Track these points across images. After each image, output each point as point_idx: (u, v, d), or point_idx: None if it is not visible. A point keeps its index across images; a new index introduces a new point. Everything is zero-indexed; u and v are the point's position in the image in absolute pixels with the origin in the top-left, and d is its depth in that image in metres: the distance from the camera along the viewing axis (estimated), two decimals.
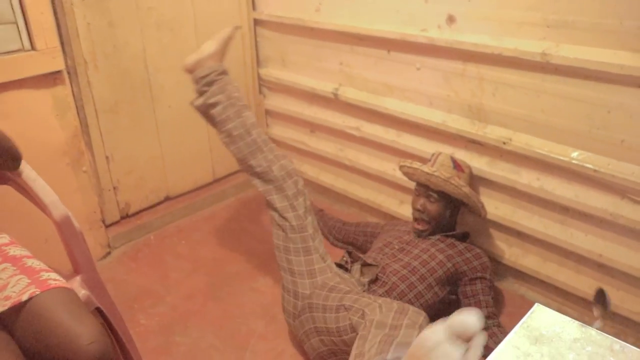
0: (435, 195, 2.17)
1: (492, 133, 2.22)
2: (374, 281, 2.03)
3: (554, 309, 2.24)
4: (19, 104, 2.22)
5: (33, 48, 2.20)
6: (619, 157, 1.91)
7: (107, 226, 2.75)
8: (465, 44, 2.15)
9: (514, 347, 0.87)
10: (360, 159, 2.84)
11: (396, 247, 2.21)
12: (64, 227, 1.59)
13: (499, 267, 2.45)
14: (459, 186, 2.12)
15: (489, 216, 2.33)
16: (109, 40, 2.52)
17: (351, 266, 2.16)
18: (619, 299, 2.09)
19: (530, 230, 2.24)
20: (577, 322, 0.94)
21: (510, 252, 2.37)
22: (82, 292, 1.54)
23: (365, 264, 2.15)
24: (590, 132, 1.95)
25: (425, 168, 2.15)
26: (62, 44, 2.33)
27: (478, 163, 2.31)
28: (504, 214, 2.31)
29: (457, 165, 2.22)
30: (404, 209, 2.73)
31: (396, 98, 2.55)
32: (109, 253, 2.73)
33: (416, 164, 2.18)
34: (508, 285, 2.44)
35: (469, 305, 2.11)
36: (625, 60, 1.78)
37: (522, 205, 2.26)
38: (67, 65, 2.38)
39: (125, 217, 2.86)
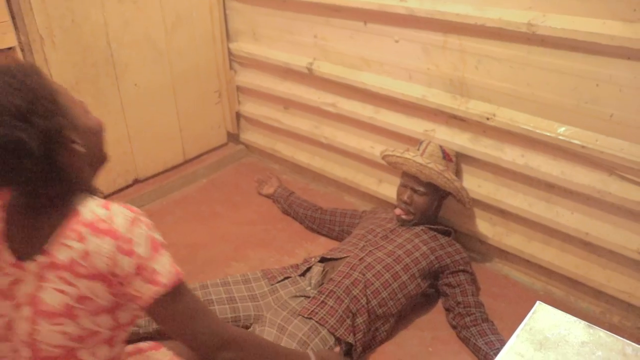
0: (423, 188, 2.11)
1: (475, 108, 2.12)
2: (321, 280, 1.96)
3: (538, 289, 2.22)
4: None
5: None
6: (607, 133, 1.84)
7: None
8: (447, 14, 2.03)
9: (517, 354, 0.78)
10: (337, 137, 2.73)
11: (380, 234, 2.13)
12: None
13: (482, 247, 2.38)
14: (451, 180, 2.06)
15: (471, 194, 2.25)
16: (66, 14, 2.34)
17: (310, 268, 2.03)
18: (605, 277, 2.04)
19: (514, 209, 2.17)
20: (583, 322, 0.86)
21: (494, 232, 2.30)
22: None
23: (325, 259, 2.06)
24: (578, 106, 1.87)
25: (418, 159, 2.06)
26: (13, 18, 2.16)
27: (460, 139, 2.22)
28: (487, 192, 2.23)
29: (446, 155, 2.15)
30: (384, 188, 2.63)
31: (374, 72, 2.44)
32: None
33: (407, 154, 2.09)
34: (492, 265, 2.37)
35: (455, 295, 2.05)
36: (615, 30, 1.69)
37: (506, 183, 2.18)
38: (20, 42, 2.21)
39: None
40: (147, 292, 1.08)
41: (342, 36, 2.48)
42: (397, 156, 2.14)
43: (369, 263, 1.96)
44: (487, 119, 2.08)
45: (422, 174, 2.06)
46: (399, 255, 2.01)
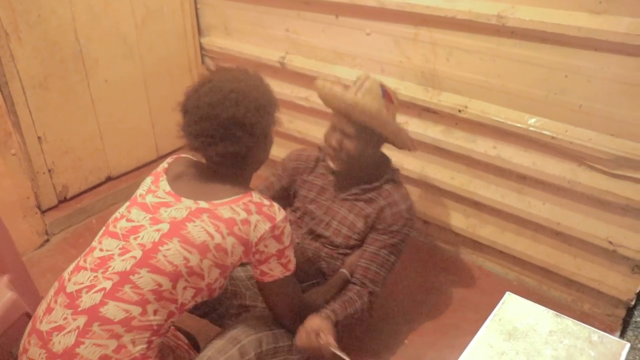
0: (353, 130, 1.74)
1: (447, 100, 2.13)
2: None
3: (512, 279, 2.25)
4: None
5: None
6: (576, 123, 1.86)
7: (43, 212, 2.56)
8: (417, 6, 2.03)
9: (487, 345, 0.79)
10: (311, 131, 2.72)
11: (317, 216, 1.91)
12: None
13: (456, 239, 2.40)
14: (386, 123, 1.73)
15: (445, 187, 2.26)
16: (32, 8, 2.29)
17: None
18: (575, 266, 2.06)
19: (487, 200, 2.19)
20: (552, 312, 0.86)
21: (468, 223, 2.32)
22: (9, 295, 1.40)
23: None
24: (547, 97, 1.88)
25: (349, 94, 1.71)
26: None
27: (432, 132, 2.23)
28: (461, 184, 2.24)
29: (386, 94, 1.77)
30: None
31: (346, 65, 2.43)
32: (47, 241, 2.55)
33: (337, 88, 1.75)
34: (465, 256, 2.39)
35: (363, 253, 1.81)
36: (582, 22, 1.71)
37: (479, 175, 2.20)
38: None
39: (63, 201, 2.68)
40: (278, 272, 1.40)
41: (313, 30, 2.47)
42: (328, 89, 1.77)
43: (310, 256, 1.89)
44: (459, 111, 2.09)
45: (353, 112, 1.70)
46: (338, 244, 1.85)
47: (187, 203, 1.32)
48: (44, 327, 1.20)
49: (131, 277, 1.21)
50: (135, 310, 1.20)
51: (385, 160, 1.96)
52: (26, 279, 1.53)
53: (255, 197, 1.35)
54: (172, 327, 1.48)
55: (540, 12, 1.78)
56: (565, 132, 1.86)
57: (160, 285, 1.22)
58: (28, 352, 1.21)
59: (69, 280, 1.24)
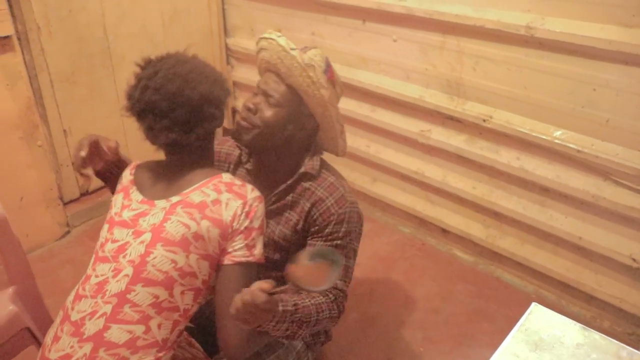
0: (278, 94, 1.43)
1: (472, 110, 2.12)
2: None
3: (530, 292, 2.23)
4: None
5: None
6: (603, 137, 1.84)
7: (65, 204, 2.59)
8: (446, 14, 2.03)
9: (513, 354, 0.78)
10: None
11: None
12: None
13: (474, 249, 2.38)
14: (317, 83, 1.40)
15: (466, 196, 2.25)
16: (64, 3, 2.33)
17: None
18: (596, 282, 2.04)
19: (508, 211, 2.17)
20: (578, 324, 0.85)
21: (487, 233, 2.30)
22: (10, 308, 1.40)
23: None
24: (574, 110, 1.87)
25: (283, 41, 1.41)
26: (10, 7, 2.14)
27: (456, 141, 2.22)
28: (482, 194, 2.23)
29: (329, 70, 1.46)
30: (378, 187, 2.63)
31: (371, 71, 2.43)
32: (68, 232, 2.58)
33: (275, 35, 1.43)
34: (484, 267, 2.37)
35: None
36: (613, 35, 1.69)
37: (501, 186, 2.18)
38: (17, 31, 2.19)
39: (85, 194, 2.71)
40: (240, 254, 1.27)
41: (340, 34, 2.47)
42: (266, 37, 1.46)
43: None
44: (484, 120, 2.08)
45: (283, 64, 1.40)
46: (275, 260, 1.55)
47: (161, 204, 1.28)
48: (53, 355, 1.20)
49: (128, 296, 1.20)
50: (139, 329, 1.20)
51: (308, 152, 1.53)
52: (33, 291, 1.51)
53: (226, 177, 1.31)
54: (186, 335, 1.46)
55: (570, 24, 1.77)
56: (591, 146, 1.85)
57: (157, 297, 1.21)
58: None
59: (72, 309, 1.24)
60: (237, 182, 1.31)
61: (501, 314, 2.13)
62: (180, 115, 1.24)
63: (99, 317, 1.19)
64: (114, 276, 1.22)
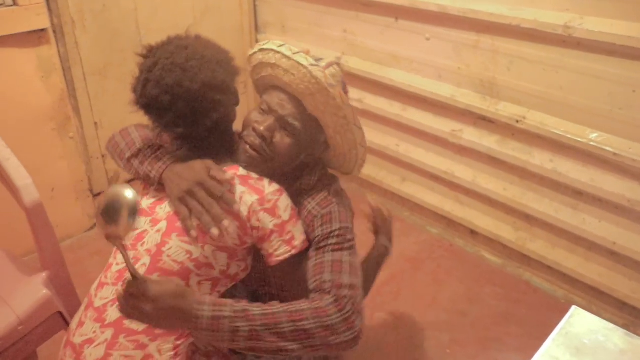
0: (299, 123, 1.24)
1: (505, 110, 2.09)
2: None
3: (560, 297, 2.19)
4: (0, 64, 2.07)
5: (15, 3, 2.04)
6: None
7: (95, 196, 2.62)
8: (481, 13, 2.00)
9: (553, 358, 0.76)
10: None
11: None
12: (35, 215, 1.41)
13: (503, 251, 2.35)
14: (354, 126, 1.25)
15: (496, 197, 2.22)
16: None
17: None
18: (630, 289, 1.99)
19: (539, 214, 2.14)
20: (621, 330, 0.83)
21: (517, 236, 2.27)
22: (43, 292, 1.41)
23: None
24: (611, 112, 1.82)
25: (300, 58, 1.19)
26: (47, 0, 2.16)
27: (487, 141, 2.19)
28: (513, 196, 2.20)
29: (346, 89, 1.32)
30: (407, 187, 2.61)
31: (402, 69, 2.41)
32: (96, 224, 2.60)
33: (284, 49, 1.22)
34: (512, 270, 2.34)
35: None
36: None
37: (532, 188, 2.15)
38: (52, 24, 2.22)
39: None
40: (283, 251, 1.24)
41: (372, 32, 2.46)
42: (265, 49, 1.26)
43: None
44: (517, 121, 2.05)
45: (305, 83, 1.18)
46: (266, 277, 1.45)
47: None
48: (77, 339, 1.22)
49: None
50: (191, 267, 1.20)
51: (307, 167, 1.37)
52: (65, 277, 1.53)
53: (242, 170, 1.25)
54: None
55: (610, 24, 1.73)
56: (629, 149, 1.80)
57: None
58: None
59: (96, 296, 1.25)
60: (254, 175, 1.25)
61: (530, 318, 2.09)
62: (182, 108, 1.17)
63: None
64: (133, 264, 1.22)
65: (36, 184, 1.41)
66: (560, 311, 2.09)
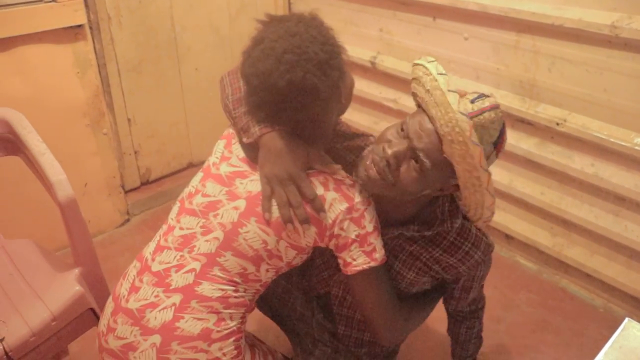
0: (429, 160, 1.14)
1: (545, 112, 2.03)
2: None
3: (598, 305, 2.12)
4: (37, 59, 2.09)
5: (53, 0, 2.06)
6: None
7: (126, 192, 2.63)
8: (522, 12, 1.95)
9: None
10: None
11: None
12: (68, 211, 1.41)
13: (539, 257, 2.29)
14: (481, 169, 1.09)
15: (533, 202, 2.16)
16: None
17: None
18: None
19: (578, 220, 2.07)
20: None
21: (554, 242, 2.21)
22: (76, 289, 1.41)
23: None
24: None
25: (452, 98, 1.09)
26: None
27: (526, 144, 2.13)
28: (551, 201, 2.14)
29: (501, 141, 1.22)
30: None
31: None
32: (127, 220, 2.62)
33: (441, 79, 1.14)
34: (548, 276, 2.28)
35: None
36: None
37: (572, 193, 2.08)
38: (89, 20, 2.23)
39: (145, 183, 2.74)
40: (361, 261, 1.21)
41: (408, 31, 2.42)
42: (424, 69, 1.18)
43: None
44: (557, 124, 1.99)
45: (447, 128, 1.08)
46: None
47: None
48: (133, 305, 1.21)
49: (218, 259, 1.20)
50: (229, 288, 1.20)
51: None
52: (97, 273, 1.53)
53: (339, 174, 1.21)
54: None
55: None
56: None
57: (245, 269, 1.21)
58: (115, 330, 1.21)
59: (153, 260, 1.24)
60: (349, 181, 1.21)
61: (567, 326, 2.04)
62: (265, 97, 1.12)
63: (187, 272, 1.20)
64: (203, 233, 1.21)
65: (69, 179, 1.42)
66: (598, 320, 2.04)
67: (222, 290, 1.20)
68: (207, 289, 1.19)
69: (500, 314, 2.10)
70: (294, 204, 1.15)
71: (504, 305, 2.14)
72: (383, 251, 1.23)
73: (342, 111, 1.31)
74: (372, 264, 1.21)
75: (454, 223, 1.32)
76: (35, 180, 1.60)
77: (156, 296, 1.19)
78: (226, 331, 1.20)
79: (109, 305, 1.27)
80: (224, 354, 1.19)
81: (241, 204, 1.20)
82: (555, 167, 2.07)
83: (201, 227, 1.21)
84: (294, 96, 1.09)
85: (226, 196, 1.21)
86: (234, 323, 1.22)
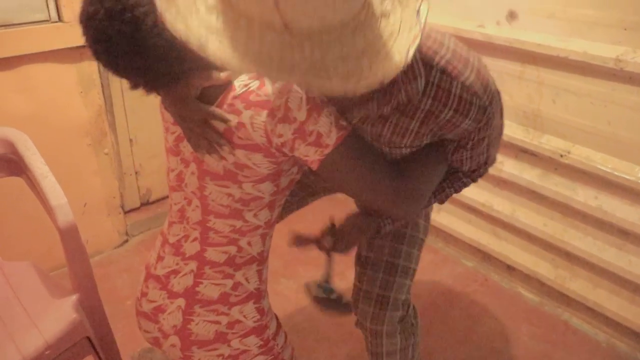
0: None
1: (549, 143, 2.02)
2: None
3: (601, 340, 2.09)
4: (42, 78, 2.09)
5: (60, 19, 2.06)
6: None
7: (126, 212, 2.61)
8: (527, 43, 1.95)
9: None
10: None
11: None
12: (68, 236, 1.40)
13: (541, 289, 2.26)
14: None
15: (535, 233, 2.14)
16: None
17: None
18: None
19: (581, 252, 2.05)
20: None
21: (556, 274, 2.18)
22: (73, 316, 1.40)
23: None
24: None
25: None
26: None
27: (529, 175, 2.12)
28: (553, 232, 2.12)
29: None
30: (442, 217, 2.54)
31: None
32: (126, 241, 2.60)
33: None
34: (550, 309, 2.25)
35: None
36: None
37: (575, 225, 2.07)
38: None
39: (145, 203, 2.73)
40: (312, 152, 1.07)
41: None
42: None
43: None
44: (561, 155, 1.98)
45: None
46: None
47: None
48: (160, 272, 1.26)
49: (207, 224, 1.21)
50: (232, 249, 1.21)
51: None
52: (95, 299, 1.51)
53: (238, 87, 1.07)
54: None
55: None
56: None
57: (233, 225, 1.19)
58: (147, 295, 1.28)
59: (169, 233, 1.29)
60: (252, 85, 1.07)
61: None
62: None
63: (193, 241, 1.23)
64: (187, 204, 1.23)
65: (69, 198, 1.41)
66: (601, 356, 2.01)
67: (226, 253, 1.21)
68: (213, 254, 1.21)
69: (501, 346, 2.07)
70: (205, 134, 1.08)
71: (505, 337, 2.11)
72: (335, 129, 1.06)
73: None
74: (326, 150, 1.06)
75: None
76: (35, 199, 1.59)
77: (177, 264, 1.25)
78: (244, 294, 1.23)
79: (142, 273, 1.34)
80: (245, 317, 1.23)
81: (193, 167, 1.17)
82: (558, 198, 2.05)
83: (184, 199, 1.23)
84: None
85: (182, 165, 1.20)
86: (251, 285, 1.24)
